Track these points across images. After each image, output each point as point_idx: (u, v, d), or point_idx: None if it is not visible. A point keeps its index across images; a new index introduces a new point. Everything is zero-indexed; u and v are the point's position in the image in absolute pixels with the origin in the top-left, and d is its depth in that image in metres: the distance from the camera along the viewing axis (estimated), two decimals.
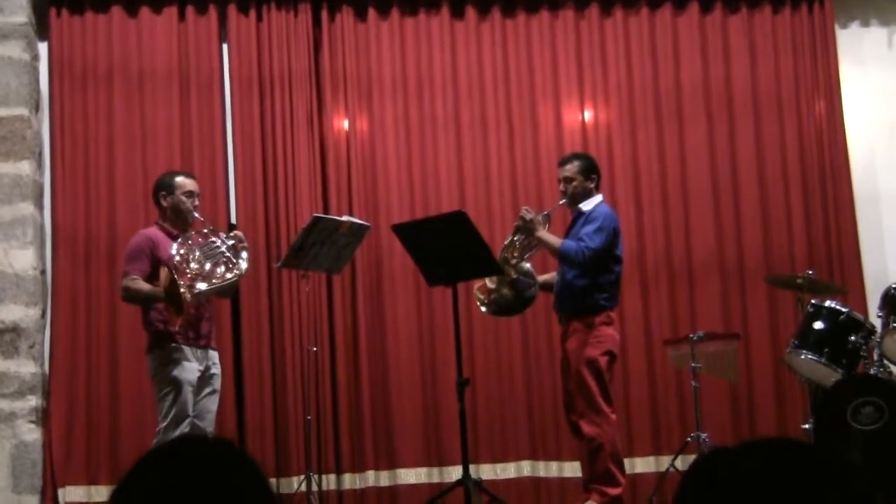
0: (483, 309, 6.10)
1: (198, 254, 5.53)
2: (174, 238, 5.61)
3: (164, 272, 5.40)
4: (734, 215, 7.42)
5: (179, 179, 5.82)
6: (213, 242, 5.61)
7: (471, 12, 7.43)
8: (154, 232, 5.75)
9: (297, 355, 6.91)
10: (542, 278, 6.14)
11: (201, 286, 5.45)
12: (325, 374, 6.92)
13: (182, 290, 5.29)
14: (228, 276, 5.59)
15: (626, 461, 6.28)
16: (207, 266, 5.53)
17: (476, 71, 7.40)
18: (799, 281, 6.40)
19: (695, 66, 7.52)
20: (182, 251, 5.50)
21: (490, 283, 6.03)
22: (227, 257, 5.60)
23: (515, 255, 6.01)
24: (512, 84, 7.41)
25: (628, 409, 7.07)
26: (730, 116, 7.50)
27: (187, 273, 5.43)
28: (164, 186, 5.80)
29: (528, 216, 5.93)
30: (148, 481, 1.48)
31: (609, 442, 5.76)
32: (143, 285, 5.58)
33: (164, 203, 5.76)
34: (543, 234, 5.94)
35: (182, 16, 7.21)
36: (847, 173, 7.49)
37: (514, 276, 5.99)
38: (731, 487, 1.36)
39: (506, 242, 6.06)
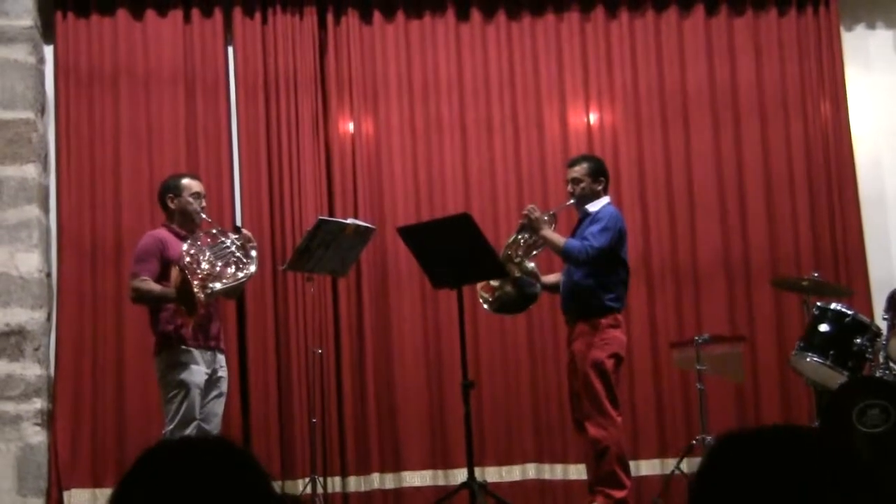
0: (486, 306, 6.09)
1: (208, 254, 5.53)
2: (183, 239, 5.62)
3: (175, 272, 5.40)
4: (740, 217, 7.42)
5: (186, 181, 5.82)
6: (223, 243, 5.62)
7: (476, 15, 7.43)
8: (163, 233, 5.75)
9: (303, 358, 6.91)
10: (546, 279, 6.13)
11: (213, 286, 5.45)
12: (330, 376, 6.92)
13: (195, 289, 5.30)
14: (240, 275, 5.60)
15: (632, 464, 6.27)
16: (218, 266, 5.54)
17: (481, 73, 7.40)
18: (805, 283, 6.40)
19: (700, 69, 7.52)
20: (192, 252, 5.50)
21: (493, 280, 6.02)
22: (238, 257, 5.61)
23: (520, 253, 6.01)
24: (517, 87, 7.41)
25: (634, 411, 7.07)
26: (735, 118, 7.50)
27: (199, 273, 5.43)
28: (170, 189, 5.80)
29: (534, 214, 5.93)
30: (149, 480, 1.48)
31: (615, 444, 5.75)
32: (154, 286, 5.59)
33: (172, 205, 5.77)
34: (548, 232, 5.94)
35: (187, 18, 7.22)
36: (852, 175, 7.48)
37: (517, 274, 5.99)
38: (750, 473, 1.36)
39: (509, 240, 6.06)
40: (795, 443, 1.37)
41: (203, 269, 5.47)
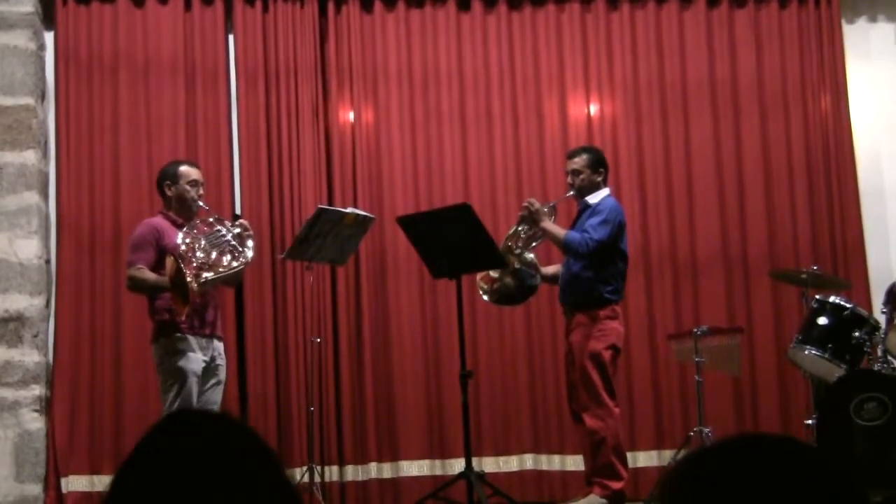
0: (485, 297, 6.10)
1: (203, 243, 5.53)
2: (179, 227, 5.61)
3: (169, 261, 5.40)
4: (739, 210, 7.42)
5: (184, 169, 5.82)
6: (219, 231, 5.61)
7: (477, 5, 7.42)
8: (159, 221, 5.74)
9: (301, 346, 6.91)
10: (546, 270, 6.14)
11: (207, 275, 5.45)
12: (328, 365, 6.93)
13: (188, 279, 5.30)
14: (234, 264, 5.59)
15: (629, 455, 6.28)
16: (213, 255, 5.53)
17: (482, 64, 7.39)
18: (803, 276, 6.40)
19: (701, 61, 7.51)
20: (188, 240, 5.50)
21: (493, 272, 6.03)
22: (233, 246, 5.60)
23: (520, 244, 6.01)
24: (517, 77, 7.40)
25: (631, 402, 7.07)
26: (735, 111, 7.49)
27: (193, 262, 5.43)
28: (168, 176, 5.79)
29: (534, 206, 5.93)
30: (154, 457, 1.46)
31: (612, 436, 5.77)
32: (149, 275, 5.59)
33: (169, 192, 5.76)
34: (548, 224, 5.94)
35: (188, 6, 7.21)
36: (852, 168, 7.48)
37: (517, 265, 5.99)
38: (718, 487, 1.32)
39: (510, 232, 6.06)
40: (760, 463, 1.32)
41: (198, 258, 5.47)
